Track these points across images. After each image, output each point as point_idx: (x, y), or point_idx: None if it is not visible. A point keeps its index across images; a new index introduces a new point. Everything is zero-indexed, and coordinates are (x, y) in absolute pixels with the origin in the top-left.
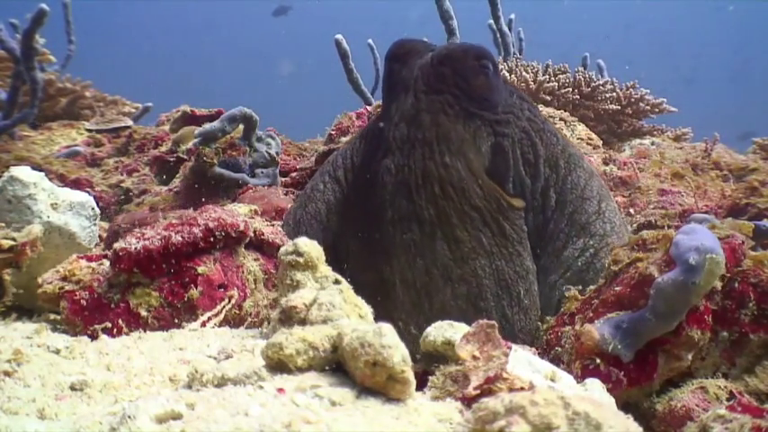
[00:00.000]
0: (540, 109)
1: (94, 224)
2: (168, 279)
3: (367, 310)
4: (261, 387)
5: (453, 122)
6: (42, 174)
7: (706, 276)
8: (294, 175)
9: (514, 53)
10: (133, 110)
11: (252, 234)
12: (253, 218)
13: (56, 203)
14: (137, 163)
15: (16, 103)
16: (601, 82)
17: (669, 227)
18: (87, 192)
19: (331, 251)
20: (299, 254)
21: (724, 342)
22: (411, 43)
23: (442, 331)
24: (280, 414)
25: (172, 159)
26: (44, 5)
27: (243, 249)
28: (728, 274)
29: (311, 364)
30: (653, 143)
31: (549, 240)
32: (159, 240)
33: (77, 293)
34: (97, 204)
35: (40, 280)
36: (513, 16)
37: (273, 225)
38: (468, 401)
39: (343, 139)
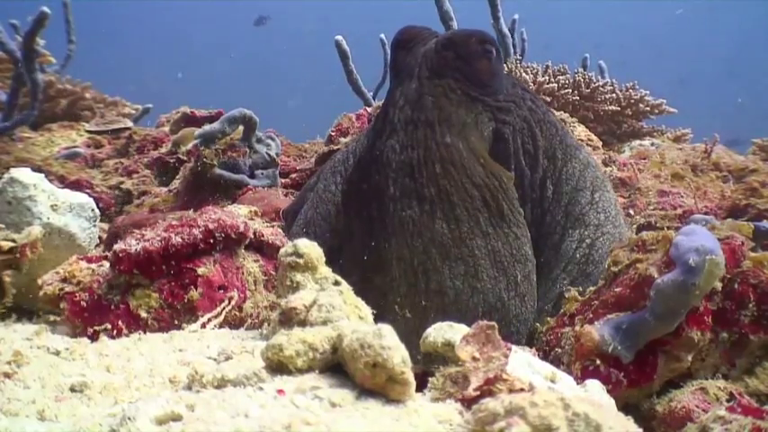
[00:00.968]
0: None
1: (94, 225)
2: (168, 280)
3: (367, 311)
4: (261, 388)
5: (455, 106)
6: (42, 175)
7: (706, 277)
8: (294, 176)
9: (515, 54)
10: (133, 111)
11: (252, 235)
12: (253, 219)
13: (56, 205)
14: (137, 164)
15: (16, 105)
16: (600, 83)
17: (669, 228)
18: (87, 193)
19: (337, 253)
20: (299, 255)
21: (724, 343)
22: (416, 30)
23: (442, 332)
24: (279, 415)
25: (172, 160)
26: (45, 8)
27: (243, 251)
28: (728, 275)
29: (311, 366)
30: (653, 144)
31: (548, 234)
32: (159, 242)
33: (77, 295)
34: (97, 205)
35: (40, 281)
36: (516, 16)
37: (273, 226)
38: (468, 402)
39: (343, 140)
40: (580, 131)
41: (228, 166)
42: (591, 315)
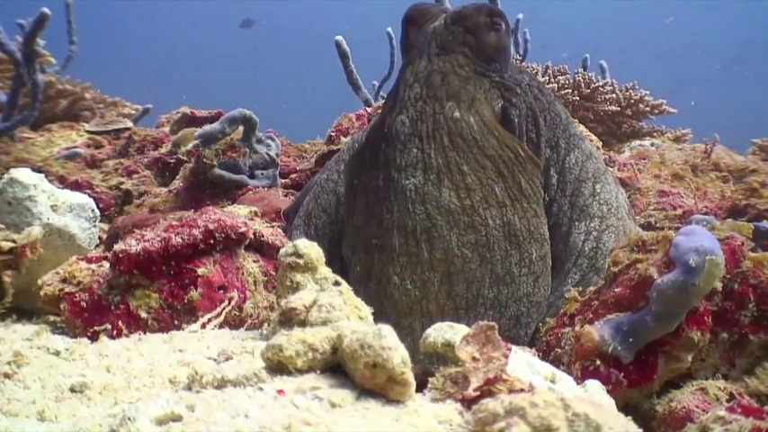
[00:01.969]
0: None
1: (94, 226)
2: (168, 281)
3: (367, 311)
4: (261, 389)
5: (464, 82)
6: (42, 175)
7: (706, 278)
8: (294, 176)
9: (516, 54)
10: (133, 111)
11: (252, 236)
12: (252, 219)
13: (56, 205)
14: (137, 164)
15: (16, 106)
16: (600, 83)
17: (669, 228)
18: (87, 193)
19: (337, 244)
20: (299, 255)
21: (724, 343)
22: (425, 6)
23: (442, 333)
24: (279, 416)
25: (172, 161)
26: (45, 9)
27: (243, 251)
28: (728, 276)
29: (311, 366)
30: (653, 144)
31: (555, 225)
32: (159, 242)
33: (77, 295)
34: (97, 206)
35: (40, 282)
36: (520, 16)
37: (273, 227)
38: (468, 403)
39: (344, 140)
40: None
41: (228, 166)
42: (591, 315)
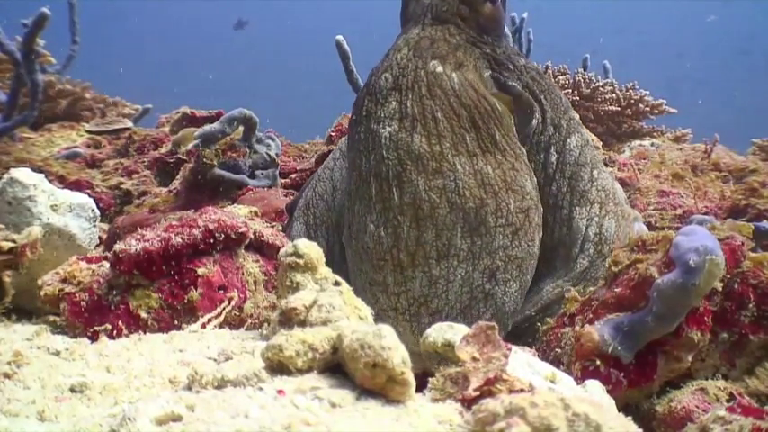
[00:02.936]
0: None
1: (94, 226)
2: (168, 281)
3: (367, 311)
4: (261, 389)
5: (453, 48)
6: (42, 175)
7: (706, 278)
8: (294, 176)
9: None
10: (133, 111)
11: (252, 236)
12: (252, 219)
13: (56, 205)
14: (137, 164)
15: (16, 106)
16: (600, 83)
17: (669, 228)
18: (87, 193)
19: (333, 231)
20: (299, 255)
21: (724, 343)
22: None
23: (442, 333)
24: (279, 416)
25: (172, 161)
26: (45, 9)
27: (243, 251)
28: (728, 276)
29: (311, 366)
30: (653, 144)
31: (555, 206)
32: (159, 242)
33: (77, 295)
34: (97, 206)
35: (39, 282)
36: (525, 15)
37: (273, 226)
38: (468, 403)
39: (344, 140)
40: None
41: (228, 166)
42: (591, 315)
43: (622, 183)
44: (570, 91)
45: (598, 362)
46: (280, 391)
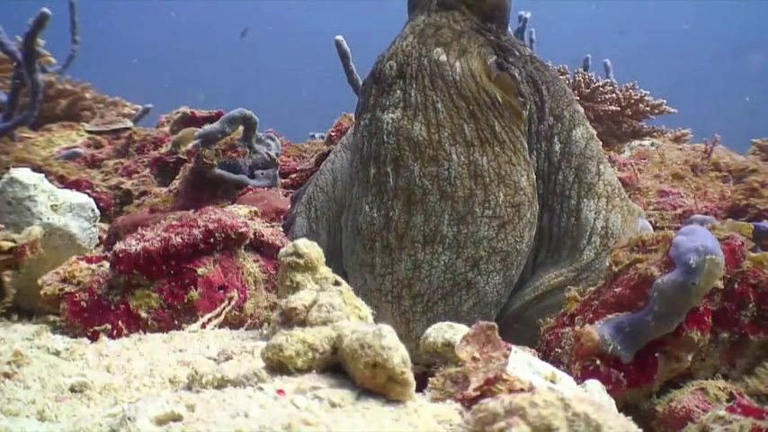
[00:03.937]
0: None
1: (94, 226)
2: (168, 280)
3: (367, 311)
4: (261, 388)
5: (457, 35)
6: (42, 175)
7: (706, 277)
8: (294, 176)
9: None
10: (133, 111)
11: (252, 235)
12: (252, 219)
13: (56, 205)
14: (136, 164)
15: (16, 105)
16: (600, 83)
17: (669, 228)
18: (87, 193)
19: (335, 221)
20: (299, 255)
21: (724, 343)
22: None
23: (442, 332)
24: (279, 415)
25: (172, 161)
26: (45, 9)
27: (243, 251)
28: (728, 276)
29: (311, 366)
30: (653, 144)
31: (562, 195)
32: (159, 242)
33: (77, 295)
34: (97, 206)
35: (39, 281)
36: (528, 15)
37: (273, 226)
38: (468, 403)
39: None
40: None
41: (228, 166)
42: (591, 315)
43: (622, 182)
44: (570, 91)
45: (598, 362)
46: (280, 391)
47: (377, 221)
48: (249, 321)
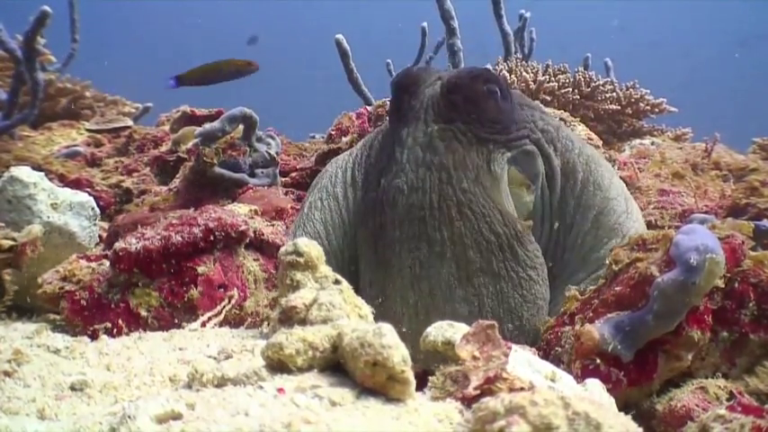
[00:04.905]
0: None
1: (94, 224)
2: (168, 279)
3: (367, 310)
4: (261, 387)
5: (467, 149)
6: (42, 174)
7: (706, 276)
8: (294, 174)
9: (516, 54)
10: (133, 110)
11: (252, 234)
12: (253, 218)
13: (56, 203)
14: (137, 163)
15: (17, 104)
16: (601, 82)
17: (669, 227)
18: (87, 192)
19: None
20: (299, 254)
21: (724, 342)
22: (418, 72)
23: (443, 331)
24: (280, 414)
25: (172, 159)
26: (46, 7)
27: (243, 249)
28: (728, 275)
29: (311, 364)
30: (653, 143)
31: (574, 245)
32: (159, 240)
33: (77, 293)
34: (97, 204)
35: (40, 280)
36: (528, 14)
37: (273, 225)
38: (468, 401)
39: (344, 139)
40: (580, 130)
41: (228, 164)
42: (591, 314)
43: (623, 181)
44: (570, 90)
45: (598, 360)
46: (280, 390)
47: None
48: (249, 320)
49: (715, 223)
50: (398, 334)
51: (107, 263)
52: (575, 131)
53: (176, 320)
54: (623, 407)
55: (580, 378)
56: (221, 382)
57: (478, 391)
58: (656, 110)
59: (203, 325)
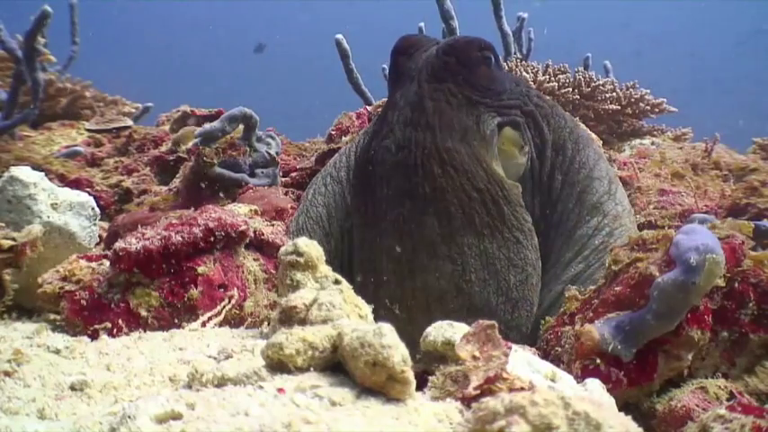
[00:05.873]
0: None
1: (94, 224)
2: (168, 279)
3: (367, 310)
4: (261, 387)
5: (456, 110)
6: (42, 174)
7: (706, 276)
8: (294, 174)
9: (516, 54)
10: (133, 110)
11: (252, 234)
12: (253, 218)
13: (56, 203)
14: (137, 163)
15: (17, 104)
16: (601, 82)
17: (669, 227)
18: (87, 191)
19: (332, 256)
20: (299, 254)
21: (724, 342)
22: (415, 38)
23: (442, 331)
24: (280, 414)
25: (172, 159)
26: (47, 7)
27: (243, 249)
28: (728, 274)
29: (311, 364)
30: (653, 143)
31: (560, 222)
32: (159, 240)
33: (77, 293)
34: (97, 204)
35: (40, 280)
36: (525, 15)
37: (273, 225)
38: (468, 401)
39: (344, 139)
40: None
41: (228, 164)
42: (591, 314)
43: (623, 181)
44: (570, 90)
45: (598, 360)
46: (280, 390)
47: (400, 319)
48: (249, 320)
49: (715, 223)
50: (381, 282)
51: (107, 263)
52: None
53: (176, 320)
54: (623, 407)
55: (580, 378)
56: (221, 382)
57: (478, 391)
58: (657, 110)
59: (203, 325)
